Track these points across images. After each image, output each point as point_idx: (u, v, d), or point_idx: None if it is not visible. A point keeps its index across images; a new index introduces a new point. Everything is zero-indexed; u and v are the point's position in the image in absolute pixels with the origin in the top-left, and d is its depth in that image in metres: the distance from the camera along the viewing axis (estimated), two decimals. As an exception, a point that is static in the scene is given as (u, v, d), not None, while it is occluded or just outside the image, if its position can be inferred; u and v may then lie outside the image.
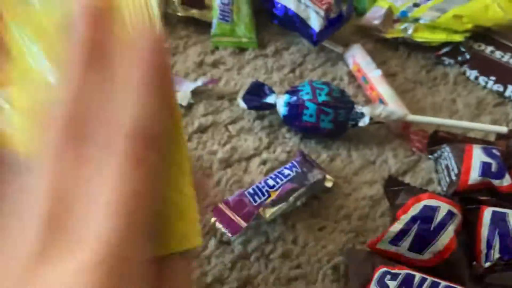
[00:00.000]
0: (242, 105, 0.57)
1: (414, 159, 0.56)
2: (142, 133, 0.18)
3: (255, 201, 0.46)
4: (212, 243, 0.46)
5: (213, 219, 0.45)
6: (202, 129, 0.57)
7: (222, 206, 0.46)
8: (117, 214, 0.17)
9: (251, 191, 0.47)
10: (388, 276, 0.41)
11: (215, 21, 0.68)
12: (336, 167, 0.55)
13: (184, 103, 0.59)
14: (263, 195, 0.47)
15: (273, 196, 0.47)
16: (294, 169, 0.49)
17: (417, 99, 0.64)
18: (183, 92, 0.60)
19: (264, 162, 0.54)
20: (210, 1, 0.70)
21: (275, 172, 0.49)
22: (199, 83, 0.61)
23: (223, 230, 0.45)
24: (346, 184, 0.53)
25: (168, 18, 0.71)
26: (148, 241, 0.18)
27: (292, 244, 0.47)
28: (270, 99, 0.57)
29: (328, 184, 0.51)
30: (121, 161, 0.18)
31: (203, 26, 0.70)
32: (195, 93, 0.61)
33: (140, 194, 0.18)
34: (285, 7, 0.66)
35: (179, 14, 0.69)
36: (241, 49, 0.68)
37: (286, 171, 0.49)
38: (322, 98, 0.54)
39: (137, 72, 0.19)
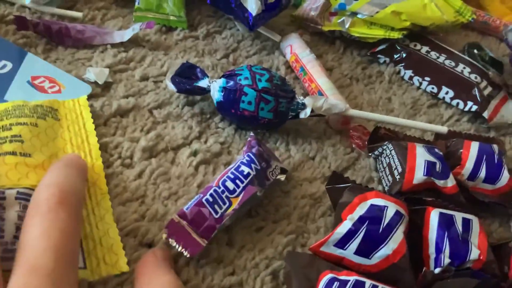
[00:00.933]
0: (171, 87, 0.50)
1: (353, 156, 0.53)
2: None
3: (216, 212, 0.39)
4: (134, 243, 0.38)
5: (164, 236, 0.38)
6: (122, 113, 0.49)
7: (177, 219, 0.38)
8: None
9: (210, 198, 0.39)
10: (336, 284, 0.37)
11: (140, -5, 0.60)
12: (276, 181, 0.49)
13: (101, 81, 0.50)
14: (224, 203, 0.40)
15: (235, 204, 0.40)
16: (253, 165, 0.43)
17: (354, 95, 0.61)
18: (100, 69, 0.51)
19: (194, 153, 0.47)
20: (135, -29, 0.62)
21: (232, 169, 0.42)
22: (135, 29, 0.54)
23: (179, 249, 0.37)
24: (284, 181, 0.48)
25: (84, -14, 0.61)
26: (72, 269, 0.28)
27: (227, 246, 0.41)
28: (202, 83, 0.50)
29: (282, 178, 0.46)
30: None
31: (128, 2, 0.62)
32: (114, 71, 0.53)
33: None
34: (220, -14, 0.60)
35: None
36: (168, 28, 0.61)
37: (245, 169, 0.42)
38: (262, 84, 0.48)
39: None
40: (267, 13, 0.61)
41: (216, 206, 0.40)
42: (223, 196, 0.41)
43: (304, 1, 0.69)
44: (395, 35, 0.64)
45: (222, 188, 0.41)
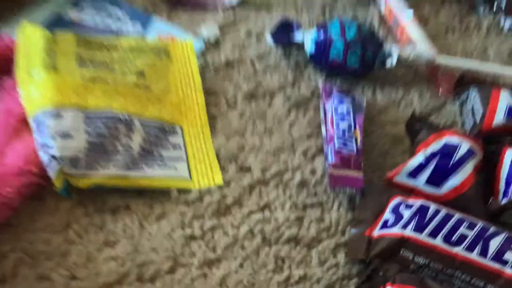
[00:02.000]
0: (270, 41, 0.57)
1: (440, 102, 0.56)
2: None
3: (352, 150, 0.46)
4: (233, 167, 0.47)
5: (327, 189, 0.46)
6: (229, 64, 0.58)
7: (332, 171, 0.45)
8: None
9: (340, 144, 0.46)
10: (403, 205, 0.42)
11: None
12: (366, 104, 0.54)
13: (212, 37, 0.59)
14: (350, 141, 0.47)
15: (357, 135, 0.47)
16: (345, 100, 0.50)
17: (448, 45, 0.63)
18: (210, 26, 0.60)
19: (288, 98, 0.55)
20: None
21: (333, 115, 0.49)
22: None
23: (348, 190, 0.45)
24: (368, 123, 0.53)
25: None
26: None
27: (310, 174, 0.48)
28: (298, 37, 0.57)
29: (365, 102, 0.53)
30: None
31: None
32: (224, 29, 0.62)
33: None
34: None
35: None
36: (272, -11, 0.68)
37: (342, 107, 0.49)
38: (350, 35, 0.54)
39: None
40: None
41: (348, 144, 0.47)
42: (347, 135, 0.47)
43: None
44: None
45: (340, 130, 0.48)
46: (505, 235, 0.40)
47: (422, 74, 0.58)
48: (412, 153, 0.47)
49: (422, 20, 0.65)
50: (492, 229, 0.40)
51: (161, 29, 0.60)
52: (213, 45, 0.60)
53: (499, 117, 0.49)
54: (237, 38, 0.61)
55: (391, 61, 0.54)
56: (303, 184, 0.47)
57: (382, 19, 0.65)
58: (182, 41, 0.56)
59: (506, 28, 0.65)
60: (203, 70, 0.56)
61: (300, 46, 0.57)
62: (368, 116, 0.54)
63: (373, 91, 0.56)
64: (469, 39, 0.64)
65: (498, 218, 0.45)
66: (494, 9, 0.65)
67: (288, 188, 0.47)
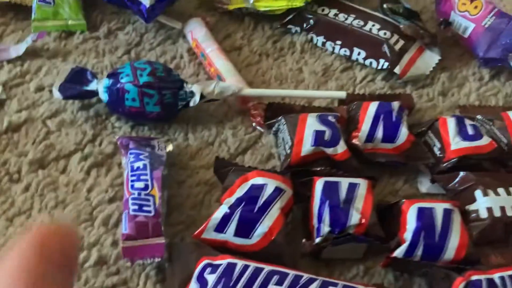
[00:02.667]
0: (57, 95, 0.50)
1: (255, 135, 0.52)
2: None
3: (149, 212, 0.40)
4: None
5: (128, 264, 0.39)
6: (14, 128, 0.50)
7: (125, 244, 0.39)
8: None
9: (135, 207, 0.40)
10: (209, 269, 0.37)
11: (34, 4, 0.60)
12: (171, 154, 0.49)
13: (-9, 100, 0.51)
14: (148, 200, 0.41)
15: (156, 194, 0.41)
16: (141, 156, 0.44)
17: (262, 71, 0.60)
18: (-11, 88, 0.52)
19: (85, 158, 0.48)
20: (29, -18, 0.62)
21: (129, 174, 0.43)
22: (28, 41, 0.54)
23: (149, 261, 0.39)
24: (180, 171, 0.48)
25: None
26: None
27: (111, 248, 0.41)
28: (92, 86, 0.51)
29: (170, 148, 0.48)
30: None
31: (23, 12, 0.62)
32: (10, 86, 0.53)
33: None
34: (112, -18, 0.59)
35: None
36: (68, 33, 0.61)
37: (139, 164, 0.43)
38: (143, 79, 0.48)
39: None
40: (162, 2, 0.60)
41: (144, 208, 0.40)
42: (143, 196, 0.41)
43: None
44: (298, 3, 0.63)
45: (136, 192, 0.41)
46: (319, 282, 0.37)
47: (234, 108, 0.54)
48: (219, 202, 0.43)
49: (235, 49, 0.62)
50: (304, 278, 0.37)
51: None
52: (-6, 108, 0.51)
53: (307, 145, 0.46)
54: (26, 95, 0.53)
55: (194, 100, 0.50)
56: (101, 262, 0.40)
57: (192, 54, 0.61)
58: None
59: (319, 45, 0.64)
60: (-22, 141, 0.47)
61: (96, 96, 0.51)
62: (179, 164, 0.49)
63: (185, 134, 0.52)
64: (284, 61, 0.62)
65: (319, 256, 0.42)
66: (305, 27, 0.64)
67: (83, 272, 0.40)
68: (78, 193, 0.45)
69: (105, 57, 0.59)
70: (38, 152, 0.47)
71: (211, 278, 0.36)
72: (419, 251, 0.40)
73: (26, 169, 0.46)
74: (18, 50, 0.56)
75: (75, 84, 0.51)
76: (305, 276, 0.37)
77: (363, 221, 0.41)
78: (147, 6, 0.58)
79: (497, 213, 0.43)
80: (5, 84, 0.54)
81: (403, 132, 0.49)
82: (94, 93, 0.50)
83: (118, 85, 0.48)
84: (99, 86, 0.50)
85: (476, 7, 0.64)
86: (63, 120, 0.51)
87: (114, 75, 0.49)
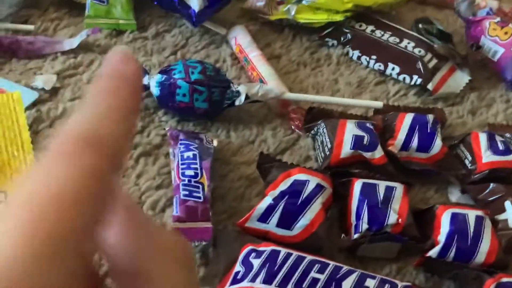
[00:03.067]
0: (111, 87, 0.53)
1: (293, 138, 0.55)
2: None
3: (199, 198, 0.42)
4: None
5: None
6: (68, 115, 0.52)
7: (175, 225, 0.41)
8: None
9: (186, 192, 0.43)
10: (253, 254, 0.39)
11: (88, 2, 0.64)
12: (215, 149, 0.52)
13: (48, 87, 0.54)
14: (197, 187, 0.43)
15: (205, 182, 0.44)
16: (191, 147, 0.46)
17: (300, 79, 0.63)
18: (46, 76, 0.55)
19: (135, 146, 0.50)
20: (84, -19, 0.66)
21: (179, 162, 0.45)
22: (83, 35, 0.57)
23: (196, 244, 0.41)
24: (223, 165, 0.51)
25: (37, 1, 0.65)
26: None
27: (159, 229, 0.44)
28: (144, 80, 0.53)
29: (215, 143, 0.50)
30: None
31: (76, 9, 0.65)
32: (63, 76, 0.56)
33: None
34: (164, -13, 0.63)
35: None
36: (118, 32, 0.64)
37: (189, 154, 0.46)
38: (195, 76, 0.51)
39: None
40: (210, 8, 0.63)
41: (194, 194, 0.43)
42: (193, 183, 0.44)
43: (252, -7, 0.71)
44: (338, 17, 0.66)
45: (186, 179, 0.44)
46: (358, 273, 0.39)
47: (275, 111, 0.57)
48: (263, 195, 0.45)
49: (274, 57, 0.65)
50: (344, 269, 0.39)
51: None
52: (49, 95, 0.54)
53: (346, 148, 0.49)
54: (79, 86, 0.56)
55: (240, 100, 0.52)
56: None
57: (235, 58, 0.64)
58: (7, 93, 0.50)
59: (354, 58, 0.67)
60: (36, 124, 0.50)
61: (146, 90, 0.54)
62: (222, 159, 0.51)
63: (227, 132, 0.54)
64: (320, 72, 0.65)
65: (355, 253, 0.44)
66: (342, 40, 0.67)
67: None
68: (128, 179, 0.48)
69: (153, 56, 0.62)
70: (91, 138, 0.50)
71: (256, 262, 0.39)
72: (451, 253, 0.42)
73: (80, 153, 0.48)
74: (72, 43, 0.60)
75: (127, 78, 0.54)
76: (345, 267, 0.39)
77: (400, 221, 0.43)
78: (196, 10, 0.62)
79: (526, 223, 0.45)
80: (59, 73, 0.57)
81: (437, 143, 0.51)
82: (146, 87, 0.53)
83: (171, 81, 0.51)
84: (151, 81, 0.53)
85: (506, 33, 0.67)
86: (113, 110, 0.54)
87: (166, 71, 0.52)
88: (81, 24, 0.64)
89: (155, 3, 0.65)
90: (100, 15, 0.64)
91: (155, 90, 0.52)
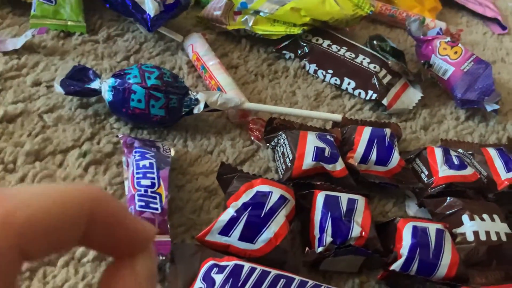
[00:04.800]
0: (59, 89, 0.49)
1: (252, 148, 0.53)
2: None
3: (156, 209, 0.39)
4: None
5: None
6: (9, 119, 0.48)
7: None
8: None
9: (142, 203, 0.39)
10: (215, 269, 0.37)
11: (35, 1, 0.60)
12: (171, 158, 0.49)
13: (-13, 88, 0.49)
14: (155, 198, 0.40)
15: (163, 192, 0.41)
16: (147, 155, 0.43)
17: (258, 90, 0.62)
18: (-14, 76, 0.50)
19: (84, 154, 0.47)
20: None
21: (134, 171, 0.42)
22: (27, 35, 0.53)
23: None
24: (180, 176, 0.48)
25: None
26: None
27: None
28: (94, 84, 0.50)
29: (173, 152, 0.48)
30: None
31: (20, 8, 0.61)
32: (5, 78, 0.52)
33: None
34: (118, -11, 0.60)
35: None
36: (66, 34, 0.60)
37: (145, 162, 0.42)
38: (151, 81, 0.49)
39: None
40: (166, 14, 0.61)
41: (151, 205, 0.40)
42: (149, 193, 0.41)
43: (208, 1, 0.70)
44: (295, 30, 0.65)
45: (142, 189, 0.41)
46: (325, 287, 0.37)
47: (234, 121, 0.55)
48: (225, 206, 0.43)
49: (232, 67, 0.64)
50: (309, 284, 0.37)
51: None
52: (-12, 97, 0.49)
53: (308, 160, 0.48)
54: (22, 88, 0.52)
55: (198, 108, 0.50)
56: (100, 257, 0.39)
57: (191, 66, 0.62)
58: None
59: (311, 72, 0.67)
60: (-29, 127, 0.46)
61: (97, 95, 0.50)
62: (179, 169, 0.49)
63: (184, 141, 0.52)
64: (278, 84, 0.64)
65: (318, 267, 0.43)
66: (299, 54, 0.67)
67: (81, 267, 0.38)
68: (76, 189, 0.44)
69: (104, 60, 0.59)
70: (35, 144, 0.46)
71: (218, 278, 0.36)
72: (414, 266, 0.42)
73: (22, 160, 0.44)
74: (15, 43, 0.55)
75: (77, 81, 0.51)
76: (311, 282, 0.38)
77: (364, 234, 0.42)
78: (152, 15, 0.59)
79: (483, 237, 0.46)
80: (0, 75, 0.52)
81: (395, 157, 0.52)
82: (96, 92, 0.50)
83: (125, 85, 0.48)
84: (103, 85, 0.49)
85: (456, 52, 0.70)
86: (60, 116, 0.50)
87: (120, 75, 0.49)
88: (26, 24, 0.60)
89: (107, 5, 0.62)
90: (47, 15, 0.60)
91: (107, 95, 0.49)
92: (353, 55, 0.66)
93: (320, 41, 0.68)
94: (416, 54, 0.75)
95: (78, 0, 0.62)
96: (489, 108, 0.66)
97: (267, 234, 0.40)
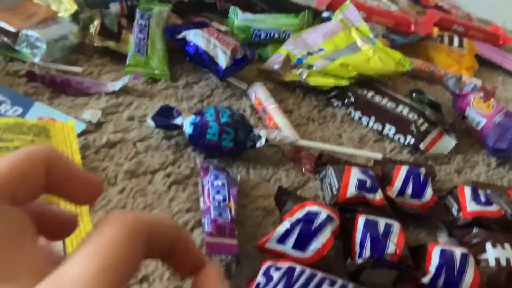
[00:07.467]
0: (151, 123, 0.61)
1: (303, 179, 0.63)
2: None
3: (227, 218, 0.50)
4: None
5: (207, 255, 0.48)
6: (111, 144, 0.60)
7: (207, 239, 0.48)
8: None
9: (216, 213, 0.50)
10: (273, 268, 0.46)
11: (130, 53, 0.73)
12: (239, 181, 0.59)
13: (94, 120, 0.62)
14: (225, 210, 0.51)
15: (232, 206, 0.51)
16: (220, 176, 0.54)
17: (309, 132, 0.72)
18: (93, 111, 0.63)
19: (168, 175, 0.58)
20: (127, 35, 0.76)
21: (210, 188, 0.53)
22: (125, 80, 0.66)
23: (223, 257, 0.48)
24: (243, 197, 0.58)
25: (84, 48, 0.75)
26: None
27: (189, 245, 0.50)
28: (177, 120, 0.62)
29: (238, 177, 0.58)
30: None
31: (119, 58, 0.75)
32: (106, 113, 0.65)
33: None
34: (196, 45, 0.73)
35: (95, 44, 0.74)
36: (153, 80, 0.73)
37: (218, 182, 0.53)
38: (224, 119, 0.60)
39: None
40: (236, 67, 0.73)
41: (223, 214, 0.50)
42: (222, 206, 0.51)
43: (270, 56, 0.82)
44: (343, 82, 0.76)
45: (216, 202, 0.51)
46: (362, 289, 0.45)
47: (288, 155, 0.65)
48: (280, 222, 0.52)
49: (287, 112, 0.75)
50: (351, 286, 0.46)
51: (42, 113, 0.61)
52: (95, 127, 0.62)
53: (351, 189, 0.57)
54: (120, 122, 0.64)
55: (261, 142, 0.61)
56: None
57: (253, 109, 0.73)
58: (62, 122, 0.58)
59: (356, 118, 0.76)
60: (84, 150, 0.58)
61: (180, 129, 0.62)
62: (242, 192, 0.59)
63: (247, 170, 0.62)
64: (326, 127, 0.74)
65: (358, 277, 0.51)
66: (346, 102, 0.77)
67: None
68: (162, 201, 0.54)
69: (183, 102, 0.71)
70: (131, 165, 0.57)
71: (275, 275, 0.45)
72: (440, 282, 0.49)
73: (121, 176, 0.56)
74: (115, 86, 0.69)
75: (164, 118, 0.63)
76: (351, 284, 0.46)
77: (398, 251, 0.50)
78: (224, 67, 0.72)
79: (503, 263, 0.52)
80: (103, 110, 0.65)
81: (429, 192, 0.60)
82: (179, 126, 0.62)
83: (203, 121, 0.60)
84: (186, 120, 0.61)
85: (488, 106, 0.78)
86: (150, 144, 0.62)
87: (200, 113, 0.61)
88: (122, 71, 0.73)
89: (187, 59, 0.75)
90: (139, 65, 0.73)
91: (188, 129, 0.60)
92: (394, 105, 0.76)
93: (365, 92, 0.78)
94: (453, 107, 0.83)
95: (164, 54, 0.75)
96: (518, 156, 0.73)
97: (316, 244, 0.49)
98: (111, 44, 0.74)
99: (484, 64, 1.04)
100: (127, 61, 0.73)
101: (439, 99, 0.85)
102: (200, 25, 0.77)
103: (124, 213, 0.18)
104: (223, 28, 0.85)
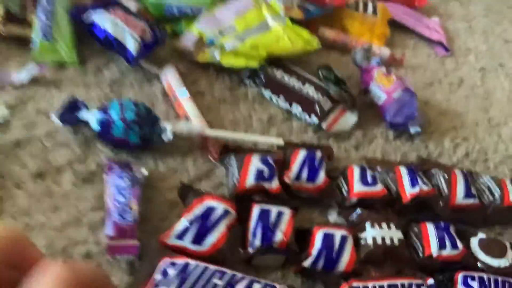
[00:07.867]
0: (56, 121, 0.63)
1: (210, 167, 0.67)
2: None
3: (129, 220, 0.54)
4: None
5: (109, 258, 0.52)
6: (17, 144, 0.62)
7: (110, 242, 0.52)
8: None
9: (117, 216, 0.53)
10: (170, 265, 0.51)
11: (35, 39, 0.72)
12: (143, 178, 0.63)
13: (1, 120, 0.63)
14: (127, 212, 0.54)
15: (133, 206, 0.54)
16: (124, 175, 0.57)
17: (221, 116, 0.76)
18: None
19: (75, 173, 0.61)
20: (32, 18, 0.74)
21: (111, 190, 0.56)
22: (31, 71, 0.67)
23: (125, 258, 0.52)
24: (150, 191, 0.62)
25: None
26: None
27: (95, 245, 0.55)
28: (84, 116, 0.64)
29: (145, 173, 0.61)
30: None
31: (26, 43, 0.74)
32: (11, 106, 0.65)
33: None
34: (105, 31, 0.73)
35: (2, 33, 0.72)
36: (61, 65, 0.73)
37: (121, 182, 0.57)
38: (128, 115, 0.62)
39: None
40: (146, 51, 0.74)
41: (125, 216, 0.54)
42: (124, 208, 0.55)
43: (183, 32, 0.83)
44: (254, 63, 0.79)
45: (118, 203, 0.55)
46: (249, 280, 0.52)
47: (196, 144, 0.69)
48: (180, 217, 0.57)
49: (199, 94, 0.77)
50: (238, 276, 0.52)
51: None
52: (1, 125, 0.63)
53: (250, 180, 0.62)
54: (26, 117, 0.65)
55: (167, 136, 0.64)
56: (88, 255, 0.54)
57: (165, 95, 0.75)
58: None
59: (267, 97, 0.80)
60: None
61: (87, 124, 0.64)
62: (149, 185, 0.63)
63: (155, 160, 0.66)
64: (238, 109, 0.78)
65: (250, 262, 0.57)
66: (257, 82, 0.81)
67: (73, 261, 0.52)
68: (69, 201, 0.58)
69: (92, 90, 0.72)
70: (38, 165, 0.60)
71: (171, 271, 0.51)
72: (321, 263, 0.57)
73: (28, 179, 0.58)
74: (20, 77, 0.68)
75: (70, 113, 0.64)
76: (239, 274, 0.52)
77: (285, 238, 0.57)
78: (133, 53, 0.73)
79: (379, 241, 0.60)
80: (8, 104, 0.65)
81: (321, 176, 0.66)
82: (86, 123, 0.63)
83: (109, 119, 0.62)
84: (92, 117, 0.63)
85: (389, 81, 0.84)
86: (57, 140, 0.64)
87: (104, 110, 0.63)
88: (28, 55, 0.73)
89: (97, 43, 0.75)
90: (45, 51, 0.73)
91: (95, 126, 0.63)
92: (301, 84, 0.80)
93: (275, 71, 0.81)
94: (360, 80, 0.89)
95: (72, 36, 0.74)
96: (412, 130, 0.81)
97: (211, 238, 0.54)
98: (18, 30, 0.73)
99: (398, 29, 1.09)
100: (33, 47, 0.72)
101: (350, 71, 0.90)
102: (107, 5, 0.76)
103: (55, 266, 0.19)
104: (133, 4, 0.84)
